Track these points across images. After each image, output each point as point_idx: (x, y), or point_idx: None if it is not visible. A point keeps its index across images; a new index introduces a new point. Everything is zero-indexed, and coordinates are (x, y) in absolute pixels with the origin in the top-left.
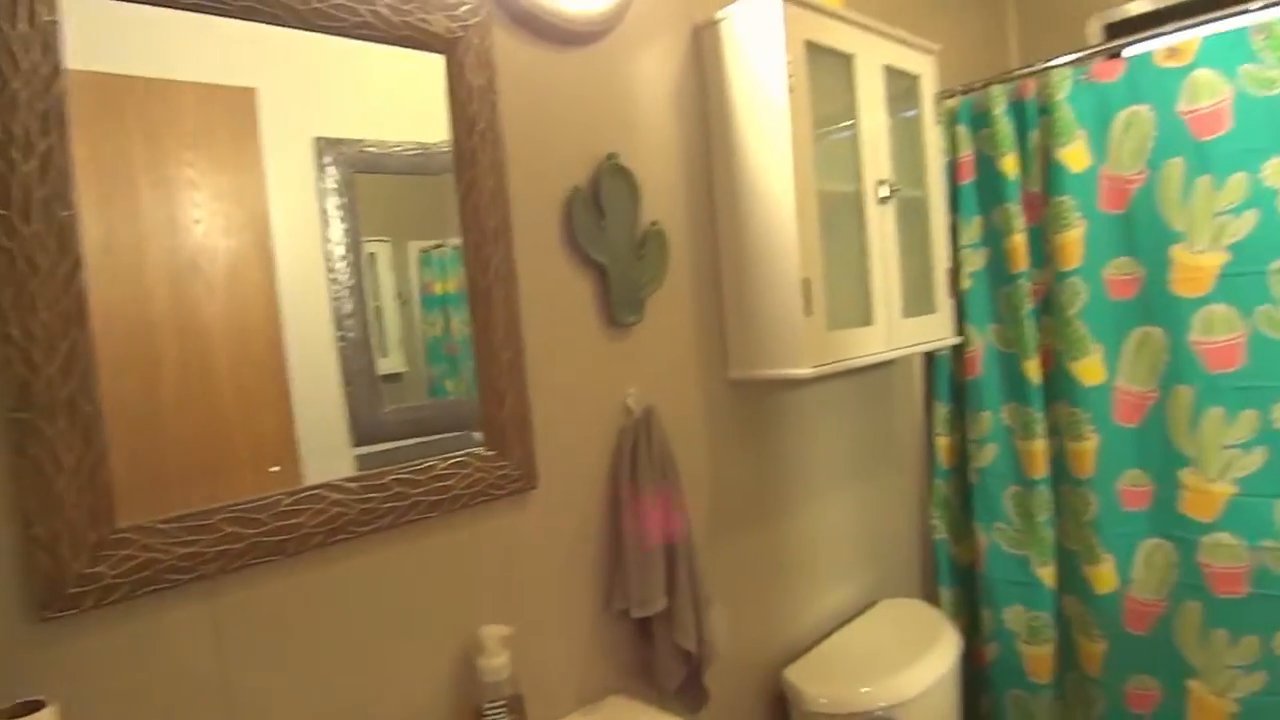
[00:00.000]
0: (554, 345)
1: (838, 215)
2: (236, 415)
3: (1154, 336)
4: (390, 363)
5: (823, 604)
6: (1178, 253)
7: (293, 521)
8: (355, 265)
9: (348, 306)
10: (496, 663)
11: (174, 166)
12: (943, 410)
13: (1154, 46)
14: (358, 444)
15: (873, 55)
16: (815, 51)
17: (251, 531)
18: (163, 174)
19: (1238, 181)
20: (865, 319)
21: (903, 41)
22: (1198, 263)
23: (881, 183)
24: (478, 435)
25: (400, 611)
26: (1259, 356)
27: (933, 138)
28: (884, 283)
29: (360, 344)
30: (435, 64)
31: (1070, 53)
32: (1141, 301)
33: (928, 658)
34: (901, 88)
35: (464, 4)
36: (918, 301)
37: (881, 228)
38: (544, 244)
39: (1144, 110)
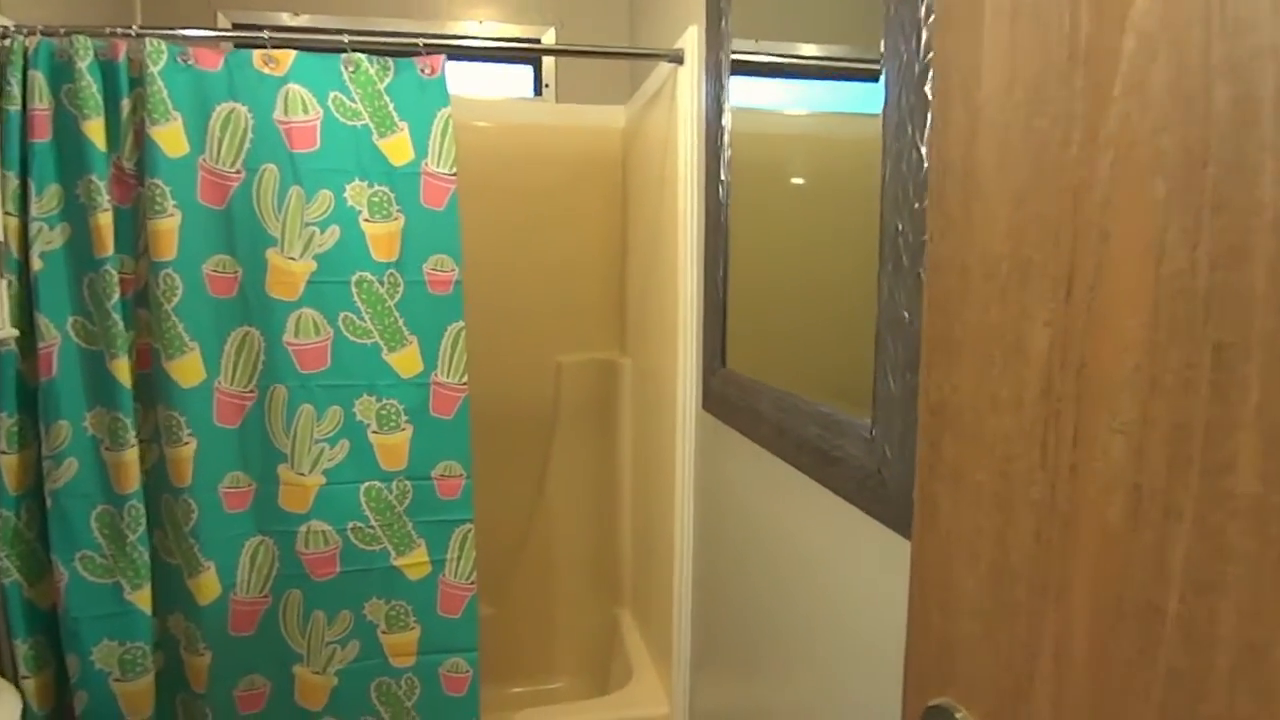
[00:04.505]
0: None
1: None
2: None
3: (253, 337)
4: None
5: None
6: (273, 256)
7: None
8: None
9: None
10: None
11: None
12: (8, 422)
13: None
14: None
15: None
16: None
17: None
18: None
19: (325, 198)
20: None
21: None
22: (290, 268)
23: None
24: None
25: None
26: (341, 357)
27: None
28: None
29: None
30: None
31: (175, 27)
32: (241, 301)
33: None
34: None
35: None
36: None
37: None
38: None
39: (242, 110)
